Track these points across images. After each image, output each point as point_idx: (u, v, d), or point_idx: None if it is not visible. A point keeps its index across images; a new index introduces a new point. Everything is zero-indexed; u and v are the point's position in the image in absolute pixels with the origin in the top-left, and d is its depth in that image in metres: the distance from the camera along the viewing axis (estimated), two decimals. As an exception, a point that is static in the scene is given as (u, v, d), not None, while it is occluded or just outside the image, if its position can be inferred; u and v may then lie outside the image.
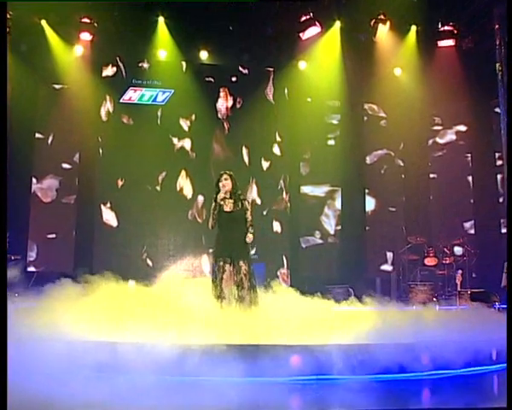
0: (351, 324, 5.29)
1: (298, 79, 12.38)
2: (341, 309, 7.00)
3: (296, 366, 4.23)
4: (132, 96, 12.30)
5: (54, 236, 11.64)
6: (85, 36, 11.33)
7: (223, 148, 12.42)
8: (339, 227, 12.53)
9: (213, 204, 6.17)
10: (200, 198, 12.16)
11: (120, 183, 11.96)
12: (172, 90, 12.36)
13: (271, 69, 12.55)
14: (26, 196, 11.50)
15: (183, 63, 12.31)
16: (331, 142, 12.85)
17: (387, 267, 12.35)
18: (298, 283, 10.09)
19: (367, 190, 12.64)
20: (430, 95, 11.88)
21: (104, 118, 12.14)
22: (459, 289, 9.83)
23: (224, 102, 12.48)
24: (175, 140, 12.34)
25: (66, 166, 11.93)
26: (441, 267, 11.13)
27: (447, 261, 11.07)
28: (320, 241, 12.51)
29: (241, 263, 6.06)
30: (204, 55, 12.10)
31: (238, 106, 12.51)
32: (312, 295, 6.88)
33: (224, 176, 6.21)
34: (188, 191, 12.19)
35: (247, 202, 6.26)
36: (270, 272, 11.39)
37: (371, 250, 12.38)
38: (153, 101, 12.36)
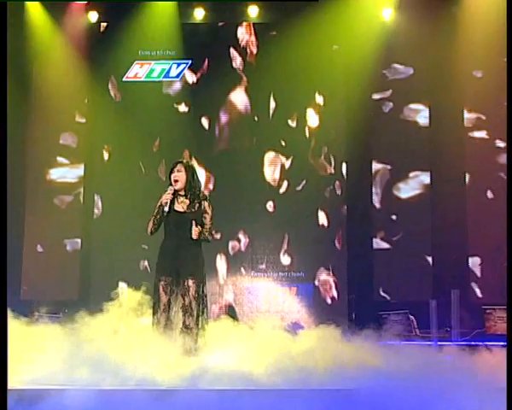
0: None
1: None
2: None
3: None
4: (139, 72, 10.13)
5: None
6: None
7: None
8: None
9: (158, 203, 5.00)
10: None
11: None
12: (189, 61, 10.09)
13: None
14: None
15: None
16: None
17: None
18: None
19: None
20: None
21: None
22: None
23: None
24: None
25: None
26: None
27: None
28: (386, 245, 9.62)
29: (190, 282, 4.87)
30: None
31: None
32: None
33: (177, 166, 4.99)
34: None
35: (207, 203, 4.99)
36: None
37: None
38: (164, 76, 10.16)
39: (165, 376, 4.17)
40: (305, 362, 4.54)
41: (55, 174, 9.96)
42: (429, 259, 9.43)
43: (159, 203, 4.97)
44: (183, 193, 4.97)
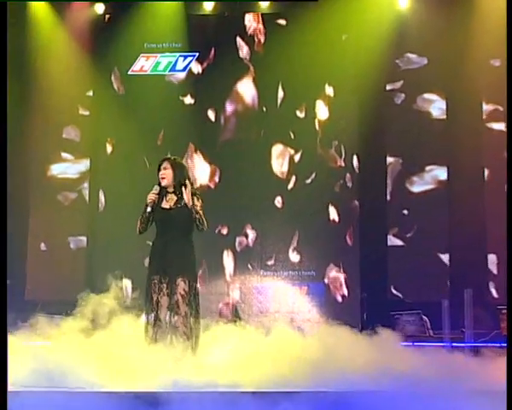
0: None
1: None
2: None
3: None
4: (145, 65, 9.85)
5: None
6: None
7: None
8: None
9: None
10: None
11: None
12: (196, 54, 9.80)
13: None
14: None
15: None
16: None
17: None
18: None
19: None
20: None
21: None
22: None
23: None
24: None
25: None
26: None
27: None
28: (399, 242, 9.24)
29: (179, 280, 4.78)
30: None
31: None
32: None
33: (164, 164, 4.95)
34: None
35: (195, 198, 4.92)
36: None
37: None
38: (171, 70, 9.88)
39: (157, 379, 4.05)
40: (317, 364, 4.38)
41: (59, 170, 9.76)
42: (445, 257, 9.08)
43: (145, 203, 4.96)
44: (171, 190, 4.93)
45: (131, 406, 3.61)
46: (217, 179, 9.57)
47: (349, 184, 9.41)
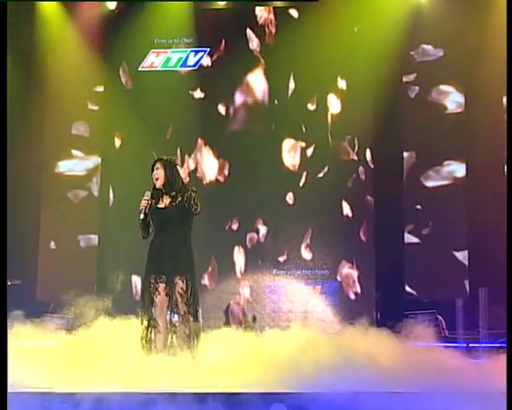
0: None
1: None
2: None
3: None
4: (155, 61, 9.75)
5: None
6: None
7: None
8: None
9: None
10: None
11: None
12: (208, 49, 9.67)
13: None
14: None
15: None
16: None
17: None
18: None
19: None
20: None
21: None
22: None
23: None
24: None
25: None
26: None
27: None
28: (415, 239, 8.97)
29: (177, 279, 4.81)
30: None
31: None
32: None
33: (156, 164, 5.00)
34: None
35: (190, 192, 4.91)
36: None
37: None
38: (182, 65, 9.75)
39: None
40: (333, 365, 4.27)
41: (68, 166, 9.70)
42: (461, 255, 8.84)
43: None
44: (165, 190, 4.95)
45: (132, 406, 3.52)
46: (226, 173, 9.45)
47: (362, 179, 9.22)
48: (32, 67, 9.57)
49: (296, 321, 8.50)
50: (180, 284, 4.80)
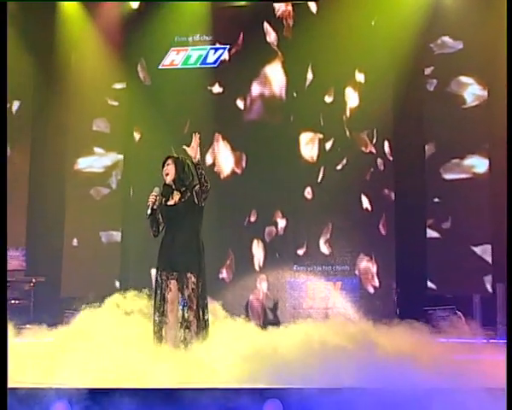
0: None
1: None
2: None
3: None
4: (175, 58, 9.80)
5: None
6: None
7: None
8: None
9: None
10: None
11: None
12: (227, 46, 9.67)
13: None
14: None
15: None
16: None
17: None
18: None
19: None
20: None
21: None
22: None
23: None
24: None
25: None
26: None
27: None
28: (435, 234, 8.83)
29: (189, 274, 4.84)
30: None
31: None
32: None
33: (167, 161, 5.04)
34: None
35: (199, 185, 4.89)
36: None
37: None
38: (202, 63, 9.78)
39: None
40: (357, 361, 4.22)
41: (89, 164, 9.81)
42: (482, 250, 8.67)
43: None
44: (175, 186, 4.99)
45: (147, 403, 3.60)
46: (244, 166, 9.47)
47: (381, 171, 9.14)
48: (55, 66, 9.66)
49: (317, 317, 8.51)
50: (191, 280, 4.84)
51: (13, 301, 8.55)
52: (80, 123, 9.75)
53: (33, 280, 8.85)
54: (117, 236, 9.62)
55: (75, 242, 9.59)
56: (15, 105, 9.70)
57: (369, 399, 3.61)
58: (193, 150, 4.86)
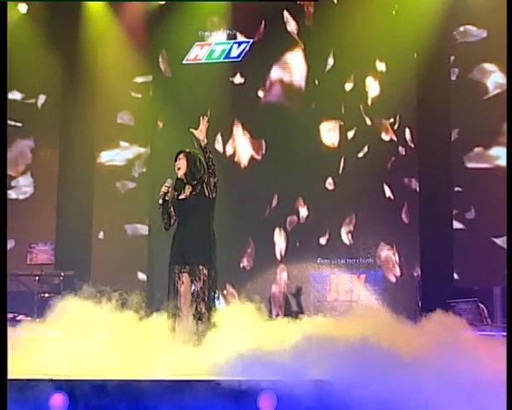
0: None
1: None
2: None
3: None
4: (199, 53, 9.84)
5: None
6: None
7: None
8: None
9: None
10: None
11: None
12: (251, 40, 9.67)
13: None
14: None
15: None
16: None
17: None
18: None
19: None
20: None
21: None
22: None
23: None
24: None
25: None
26: None
27: None
28: (460, 225, 8.73)
29: (201, 267, 4.88)
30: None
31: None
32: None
33: (179, 155, 5.09)
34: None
35: (209, 178, 4.94)
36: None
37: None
38: (225, 57, 9.81)
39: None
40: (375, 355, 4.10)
41: (114, 156, 9.90)
42: (505, 241, 8.43)
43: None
44: (186, 180, 5.02)
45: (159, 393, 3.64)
46: (264, 154, 9.46)
47: (403, 159, 9.05)
48: (81, 62, 9.79)
49: (340, 310, 8.49)
50: (203, 272, 4.87)
51: (42, 295, 8.70)
52: (106, 117, 9.87)
53: (62, 274, 8.97)
54: (141, 229, 9.68)
55: (101, 235, 9.70)
56: (41, 99, 9.86)
57: (394, 394, 3.62)
58: (201, 133, 4.89)
